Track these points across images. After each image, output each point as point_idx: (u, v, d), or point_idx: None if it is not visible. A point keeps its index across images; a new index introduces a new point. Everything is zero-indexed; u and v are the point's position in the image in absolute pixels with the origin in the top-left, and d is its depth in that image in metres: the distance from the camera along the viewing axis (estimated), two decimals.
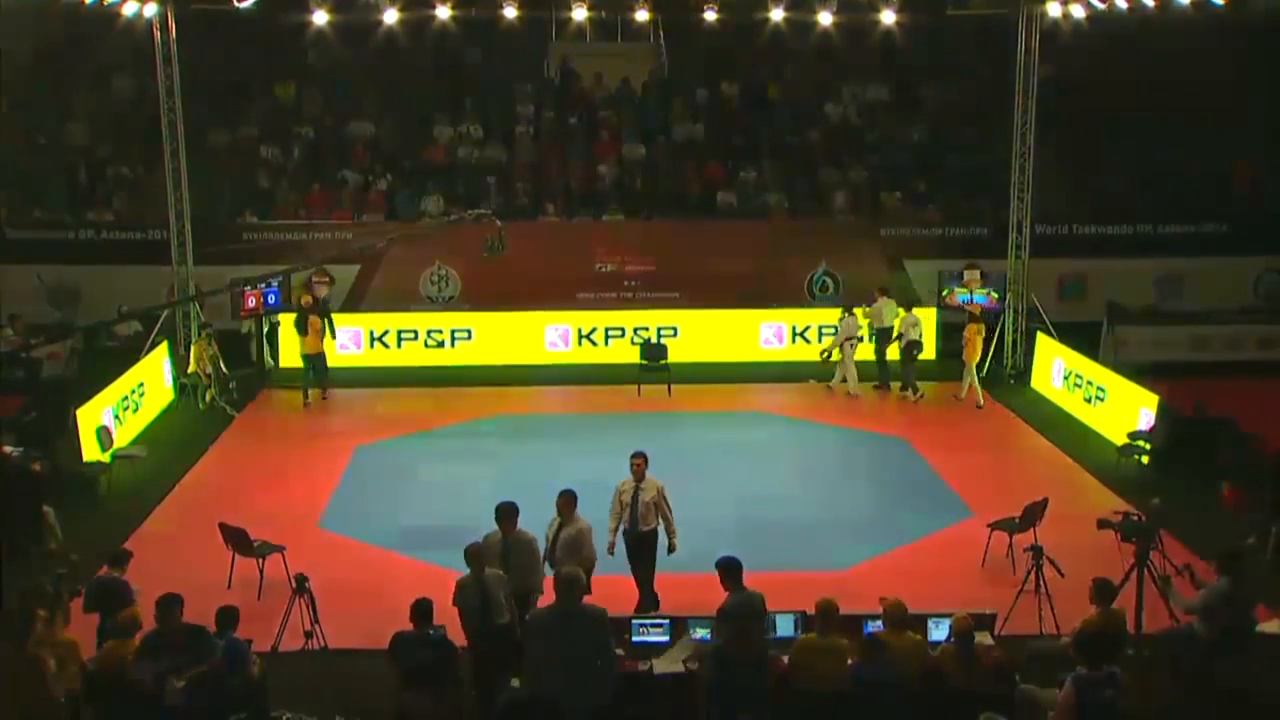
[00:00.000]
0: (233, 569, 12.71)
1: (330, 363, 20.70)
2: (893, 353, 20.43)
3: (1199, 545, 12.57)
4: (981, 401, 19.53)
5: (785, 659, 9.42)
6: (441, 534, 13.27)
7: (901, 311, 20.34)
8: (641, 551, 11.93)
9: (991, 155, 22.94)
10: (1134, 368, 18.44)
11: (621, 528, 11.88)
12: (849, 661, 9.24)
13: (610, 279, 22.87)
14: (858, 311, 20.39)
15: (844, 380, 20.11)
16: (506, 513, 10.62)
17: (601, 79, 26.41)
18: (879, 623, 9.66)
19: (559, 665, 8.75)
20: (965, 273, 21.35)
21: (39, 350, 20.08)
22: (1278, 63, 22.78)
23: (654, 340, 21.30)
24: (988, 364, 20.84)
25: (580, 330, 21.94)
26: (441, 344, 21.82)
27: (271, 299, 20.25)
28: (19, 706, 8.83)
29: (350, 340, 21.53)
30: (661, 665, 9.84)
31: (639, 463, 11.95)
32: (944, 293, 21.47)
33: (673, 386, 20.00)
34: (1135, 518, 10.89)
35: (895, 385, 20.22)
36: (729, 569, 9.69)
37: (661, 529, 11.97)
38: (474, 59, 26.09)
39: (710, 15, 20.98)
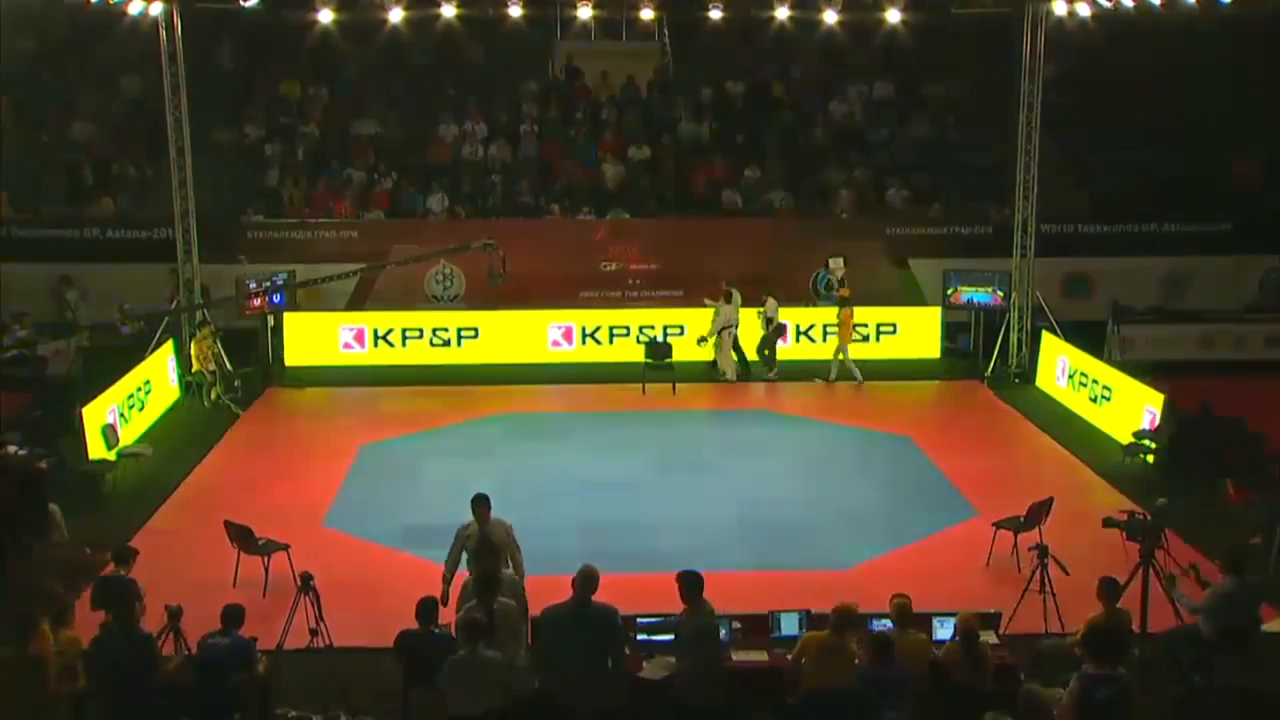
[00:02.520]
0: (238, 567, 12.71)
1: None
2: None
3: (1204, 544, 12.56)
4: (857, 379, 20.23)
5: (790, 656, 9.41)
6: (446, 532, 13.12)
7: (768, 299, 20.68)
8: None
9: (996, 154, 22.91)
10: (1139, 366, 18.41)
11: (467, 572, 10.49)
12: (855, 662, 9.22)
13: (614, 278, 22.85)
14: (737, 297, 20.58)
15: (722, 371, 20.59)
16: (486, 583, 9.38)
17: (606, 77, 26.41)
18: (885, 621, 9.64)
19: (572, 663, 8.72)
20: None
21: (44, 348, 20.11)
22: None
23: (660, 338, 21.29)
24: (992, 363, 20.85)
25: (584, 329, 21.92)
26: (446, 343, 21.80)
27: (276, 298, 20.26)
28: (20, 706, 8.84)
29: (354, 339, 21.54)
30: (650, 670, 9.71)
31: (481, 507, 10.83)
32: (949, 291, 21.47)
33: (677, 385, 20.00)
34: (1140, 517, 10.87)
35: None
36: (693, 584, 9.11)
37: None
38: (478, 57, 26.08)
39: (715, 14, 20.97)
